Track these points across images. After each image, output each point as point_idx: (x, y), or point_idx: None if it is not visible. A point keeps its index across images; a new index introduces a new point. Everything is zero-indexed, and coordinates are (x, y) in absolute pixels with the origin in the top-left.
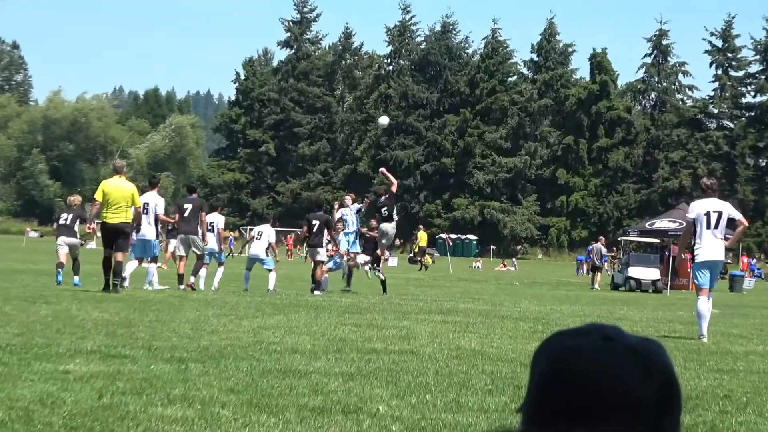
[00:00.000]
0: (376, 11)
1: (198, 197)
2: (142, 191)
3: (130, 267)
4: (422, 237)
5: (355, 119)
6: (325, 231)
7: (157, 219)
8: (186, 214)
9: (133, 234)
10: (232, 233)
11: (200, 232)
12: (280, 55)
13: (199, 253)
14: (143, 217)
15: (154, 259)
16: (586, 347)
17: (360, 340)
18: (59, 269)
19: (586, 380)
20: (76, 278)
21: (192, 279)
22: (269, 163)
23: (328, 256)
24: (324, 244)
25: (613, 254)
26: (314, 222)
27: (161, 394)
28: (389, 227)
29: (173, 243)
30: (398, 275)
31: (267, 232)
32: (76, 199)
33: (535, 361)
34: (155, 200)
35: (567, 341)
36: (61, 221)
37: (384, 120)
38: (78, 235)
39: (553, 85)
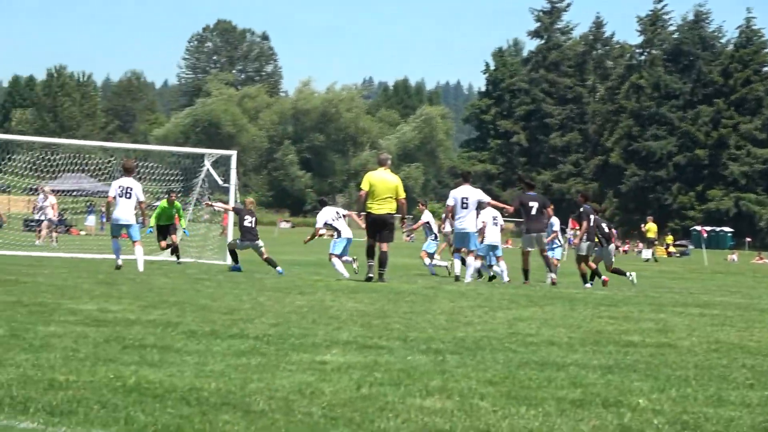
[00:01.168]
0: (627, 0)
1: (540, 194)
2: (455, 185)
3: (463, 264)
4: (651, 228)
5: (606, 110)
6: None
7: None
8: (533, 212)
9: (448, 226)
10: None
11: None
12: (530, 45)
13: (544, 248)
14: (463, 211)
15: (472, 252)
16: None
17: (617, 333)
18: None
19: None
20: (279, 268)
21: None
22: (520, 153)
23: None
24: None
25: None
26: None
27: (419, 385)
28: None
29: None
30: (651, 267)
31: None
32: (249, 201)
33: None
34: (476, 194)
35: None
36: (246, 224)
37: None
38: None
39: None
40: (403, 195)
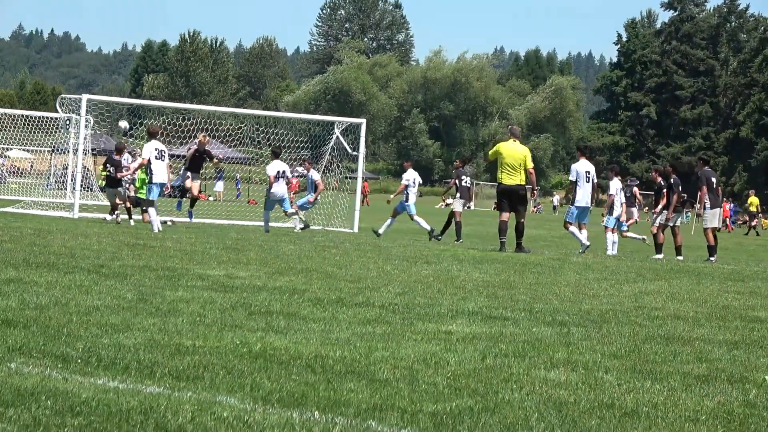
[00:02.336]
0: None
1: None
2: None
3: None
4: (752, 201)
5: (738, 83)
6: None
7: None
8: (714, 187)
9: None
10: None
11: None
12: (664, 16)
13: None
14: (587, 185)
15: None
16: None
17: (743, 308)
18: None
19: None
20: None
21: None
22: (650, 126)
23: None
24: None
25: None
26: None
27: (544, 357)
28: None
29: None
30: None
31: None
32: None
33: None
34: (593, 169)
35: None
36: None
37: (123, 124)
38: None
39: None
40: (531, 165)
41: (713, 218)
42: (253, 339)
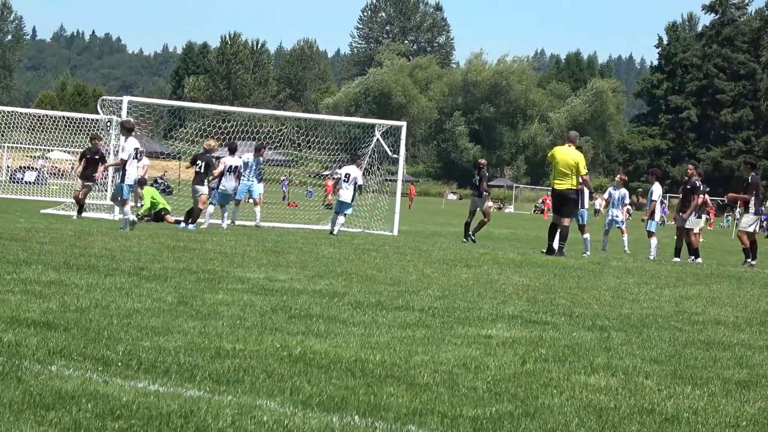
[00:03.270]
0: None
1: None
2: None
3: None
4: None
5: None
6: None
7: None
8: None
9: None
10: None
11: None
12: (705, 20)
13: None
14: (657, 203)
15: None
16: None
17: None
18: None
19: None
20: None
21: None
22: (690, 129)
23: None
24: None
25: None
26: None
27: (584, 362)
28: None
29: None
30: None
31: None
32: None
33: None
34: (658, 191)
35: None
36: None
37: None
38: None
39: None
40: (584, 172)
41: (750, 222)
42: (293, 342)
